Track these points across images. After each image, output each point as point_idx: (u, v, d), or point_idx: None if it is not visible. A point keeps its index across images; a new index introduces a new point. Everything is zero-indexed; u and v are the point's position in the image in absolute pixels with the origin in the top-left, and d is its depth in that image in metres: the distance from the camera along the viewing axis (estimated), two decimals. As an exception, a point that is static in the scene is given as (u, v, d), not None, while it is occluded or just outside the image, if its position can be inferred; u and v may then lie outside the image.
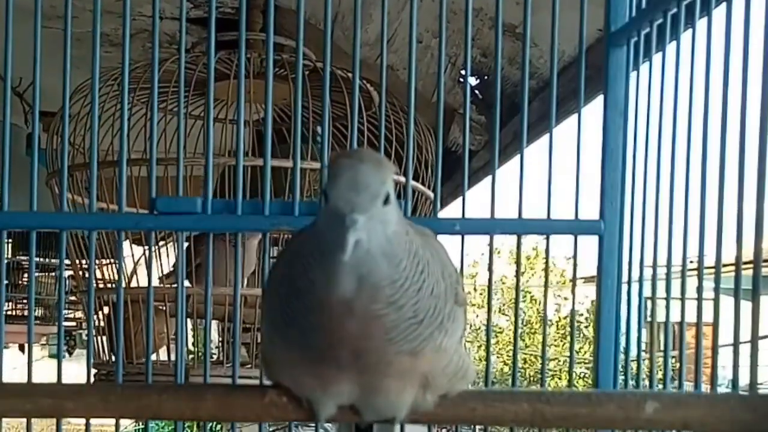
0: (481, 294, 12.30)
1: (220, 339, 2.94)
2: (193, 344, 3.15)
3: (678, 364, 1.34)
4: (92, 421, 1.43)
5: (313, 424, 1.22)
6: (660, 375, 1.39)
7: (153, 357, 2.35)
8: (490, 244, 1.46)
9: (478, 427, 1.44)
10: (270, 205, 1.43)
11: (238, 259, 1.51)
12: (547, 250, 1.58)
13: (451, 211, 4.59)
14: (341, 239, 0.80)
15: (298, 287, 0.88)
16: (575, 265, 1.52)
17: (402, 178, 1.49)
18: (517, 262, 1.59)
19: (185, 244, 1.66)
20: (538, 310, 14.74)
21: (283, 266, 0.94)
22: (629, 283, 1.44)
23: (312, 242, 0.87)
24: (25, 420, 1.36)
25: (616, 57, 1.47)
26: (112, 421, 1.41)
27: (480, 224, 1.44)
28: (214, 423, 3.08)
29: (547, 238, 1.51)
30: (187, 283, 2.32)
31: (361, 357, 0.89)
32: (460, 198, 1.49)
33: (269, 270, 1.00)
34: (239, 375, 1.50)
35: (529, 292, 14.84)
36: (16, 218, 1.45)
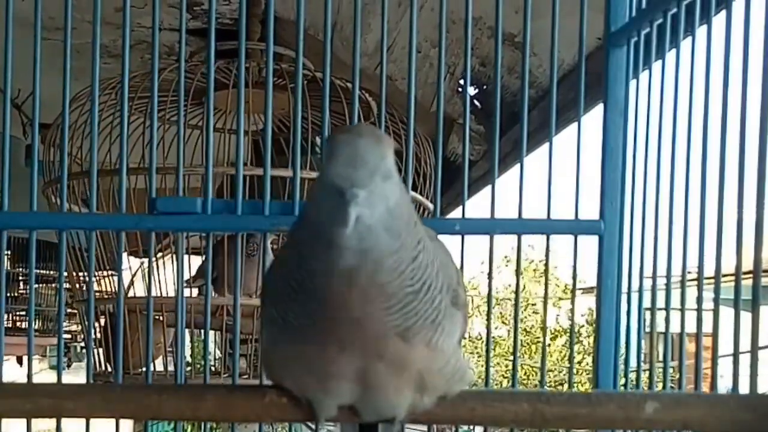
0: (479, 307, 12.29)
1: (221, 351, 2.94)
2: (191, 355, 3.15)
3: (678, 375, 1.34)
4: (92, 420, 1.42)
5: (313, 425, 1.22)
6: (660, 385, 1.39)
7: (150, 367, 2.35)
8: (490, 245, 1.46)
9: (477, 427, 1.43)
10: (270, 205, 1.43)
11: (238, 265, 1.51)
12: (547, 250, 1.58)
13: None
14: (342, 214, 0.80)
15: (301, 266, 0.88)
16: (575, 265, 1.52)
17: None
18: (518, 263, 1.59)
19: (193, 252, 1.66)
20: (538, 320, 14.74)
21: (283, 257, 0.94)
22: (629, 293, 1.44)
23: (311, 221, 0.87)
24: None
25: (616, 57, 1.47)
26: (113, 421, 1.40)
27: (480, 224, 1.44)
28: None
29: (547, 238, 1.50)
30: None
31: (360, 330, 0.88)
32: (460, 208, 1.49)
33: (268, 268, 1.00)
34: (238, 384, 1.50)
35: (533, 304, 14.84)
36: (16, 218, 1.45)
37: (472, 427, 1.37)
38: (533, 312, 14.98)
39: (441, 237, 1.09)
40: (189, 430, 4.96)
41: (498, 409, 1.03)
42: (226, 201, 1.46)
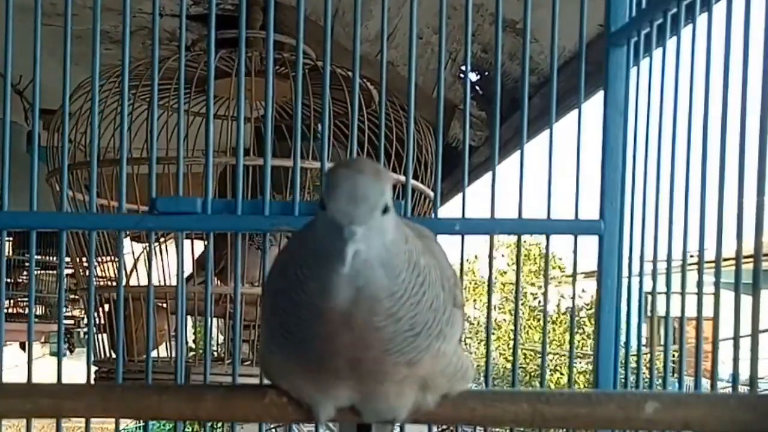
0: (477, 288, 12.29)
1: (223, 336, 2.95)
2: (194, 341, 3.16)
3: (678, 359, 1.34)
4: (92, 420, 1.43)
5: (313, 425, 1.22)
6: (660, 369, 1.39)
7: (153, 354, 2.36)
8: (490, 245, 1.46)
9: (478, 427, 1.44)
10: (270, 205, 1.43)
11: (239, 258, 1.51)
12: (547, 250, 1.58)
13: (451, 207, 4.58)
14: (340, 251, 0.80)
15: (295, 298, 0.87)
16: (575, 265, 1.53)
17: (402, 178, 1.49)
18: (517, 262, 1.59)
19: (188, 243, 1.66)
20: (529, 306, 14.76)
21: (280, 272, 0.93)
22: (629, 278, 1.44)
23: (309, 251, 0.86)
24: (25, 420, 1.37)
25: (616, 57, 1.47)
26: (112, 421, 1.41)
27: (480, 224, 1.44)
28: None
29: (548, 238, 1.50)
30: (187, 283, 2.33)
31: (358, 367, 0.88)
32: (460, 194, 1.49)
33: (268, 273, 0.99)
34: (240, 373, 1.50)
35: (525, 289, 14.84)
36: (16, 218, 1.45)
37: (472, 427, 1.37)
38: (532, 297, 15.00)
39: (440, 238, 1.09)
40: (189, 430, 4.98)
41: (498, 409, 1.02)
42: (226, 201, 1.46)
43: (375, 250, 0.83)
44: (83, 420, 1.36)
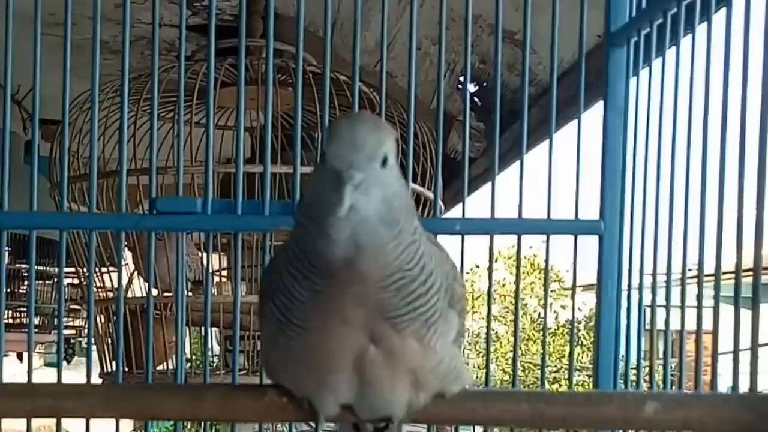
0: (477, 299, 12.29)
1: (220, 347, 2.95)
2: (191, 352, 3.15)
3: (678, 372, 1.34)
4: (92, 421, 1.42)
5: (313, 424, 1.22)
6: (660, 383, 1.39)
7: (160, 367, 2.35)
8: (490, 245, 1.46)
9: (477, 427, 1.43)
10: (270, 205, 1.43)
11: (239, 260, 1.51)
12: (547, 250, 1.58)
13: (452, 214, 4.58)
14: (338, 195, 0.80)
15: (298, 251, 0.88)
16: (575, 265, 1.52)
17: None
18: (517, 262, 1.59)
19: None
20: (531, 317, 14.76)
21: (281, 252, 0.94)
22: (629, 290, 1.44)
23: (308, 204, 0.87)
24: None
25: (616, 57, 1.47)
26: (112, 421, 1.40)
27: (480, 224, 1.44)
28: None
29: (547, 238, 1.50)
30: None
31: (359, 305, 0.88)
32: (460, 204, 1.49)
33: (269, 262, 1.00)
34: (237, 383, 1.50)
35: (522, 299, 14.85)
36: (16, 218, 1.45)
37: (472, 427, 1.37)
38: (531, 309, 15.00)
39: (441, 237, 1.09)
40: (189, 428, 4.97)
41: (498, 409, 1.03)
42: (226, 201, 1.46)
43: (374, 204, 0.83)
44: (83, 420, 1.35)
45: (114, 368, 2.47)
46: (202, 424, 1.74)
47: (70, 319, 5.60)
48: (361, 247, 0.84)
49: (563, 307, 13.75)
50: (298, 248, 0.88)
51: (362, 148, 0.82)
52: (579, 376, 10.55)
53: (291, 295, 0.90)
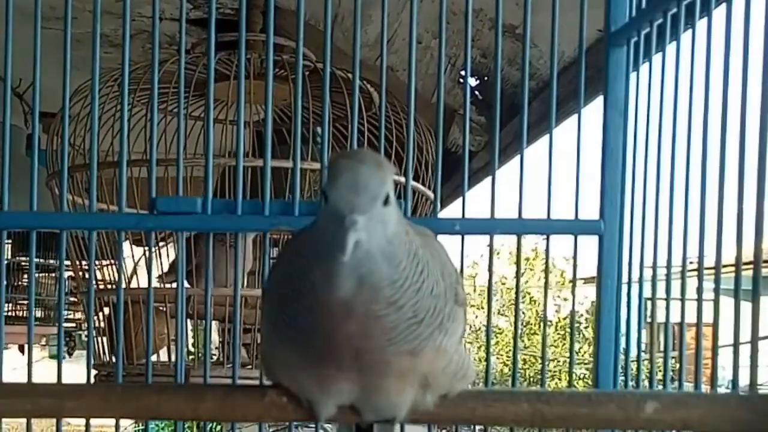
0: (480, 294, 12.28)
1: (221, 340, 2.94)
2: (193, 345, 3.15)
3: (678, 365, 1.34)
4: (92, 421, 1.43)
5: (313, 424, 1.22)
6: (660, 376, 1.39)
7: (153, 358, 2.35)
8: (490, 245, 1.46)
9: (477, 427, 1.44)
10: (270, 204, 1.43)
11: (239, 259, 1.51)
12: (547, 250, 1.58)
13: (451, 211, 4.58)
14: (341, 240, 0.80)
15: (298, 288, 0.88)
16: (575, 265, 1.52)
17: (402, 179, 1.49)
18: (517, 263, 1.60)
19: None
20: (537, 311, 14.73)
21: (284, 266, 0.94)
22: (629, 283, 1.44)
23: (312, 243, 0.87)
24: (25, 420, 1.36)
25: (616, 57, 1.47)
26: (112, 421, 1.41)
27: (480, 224, 1.44)
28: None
29: (547, 238, 1.50)
30: (186, 284, 2.32)
31: (360, 357, 0.89)
32: (460, 198, 1.49)
33: (270, 269, 1.00)
34: (239, 376, 1.50)
35: (529, 293, 14.83)
36: (16, 218, 1.45)
37: (472, 426, 1.37)
38: (531, 300, 14.97)
39: (441, 237, 1.09)
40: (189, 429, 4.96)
41: (498, 409, 1.03)
42: (227, 201, 1.46)
43: (376, 240, 0.83)
44: (83, 421, 1.36)
45: (108, 359, 2.48)
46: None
47: (70, 312, 5.60)
48: (363, 279, 0.84)
49: (564, 299, 13.73)
50: (297, 273, 0.89)
51: (365, 190, 0.82)
52: (579, 369, 10.55)
53: (289, 312, 0.91)
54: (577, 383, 9.97)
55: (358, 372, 0.91)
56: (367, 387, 0.93)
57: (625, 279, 1.44)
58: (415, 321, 0.88)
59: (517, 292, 1.60)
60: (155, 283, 1.56)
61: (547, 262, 1.69)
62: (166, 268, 2.65)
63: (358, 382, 0.92)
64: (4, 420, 1.24)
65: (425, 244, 0.92)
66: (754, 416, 1.00)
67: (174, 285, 2.54)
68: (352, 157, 0.86)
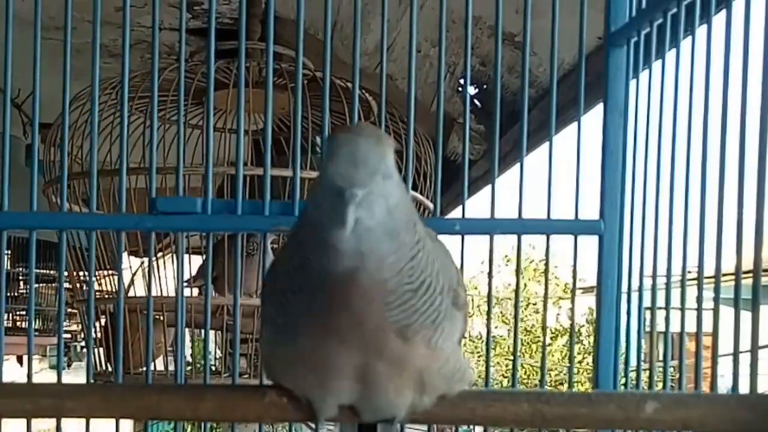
0: (479, 306, 12.27)
1: (221, 351, 2.95)
2: (191, 355, 3.15)
3: (677, 374, 1.34)
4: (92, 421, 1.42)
5: (313, 425, 1.22)
6: (659, 385, 1.39)
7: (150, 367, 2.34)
8: (490, 245, 1.46)
9: (477, 427, 1.43)
10: (270, 205, 1.43)
11: (239, 260, 1.51)
12: (547, 251, 1.58)
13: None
14: (341, 214, 0.80)
15: (301, 264, 0.88)
16: (575, 265, 1.52)
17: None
18: (518, 263, 1.59)
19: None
20: (538, 319, 14.74)
21: (284, 253, 0.94)
22: (629, 293, 1.44)
23: (311, 222, 0.86)
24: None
25: (616, 57, 1.47)
26: (112, 422, 1.40)
27: (480, 224, 1.44)
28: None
29: (547, 238, 1.50)
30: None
31: (360, 323, 0.87)
32: (459, 207, 1.48)
33: (269, 266, 1.00)
34: (238, 384, 1.50)
35: (534, 304, 14.85)
36: (16, 218, 1.45)
37: (471, 426, 1.37)
38: (534, 311, 14.98)
39: (441, 237, 1.09)
40: (189, 429, 4.96)
41: (498, 409, 1.03)
42: (226, 201, 1.45)
43: (377, 216, 0.83)
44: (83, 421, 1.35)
45: (104, 368, 2.48)
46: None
47: (67, 323, 5.60)
48: (366, 259, 0.84)
49: (569, 310, 13.74)
50: (298, 261, 0.88)
51: (364, 164, 0.81)
52: (579, 377, 10.55)
53: (290, 309, 0.90)
54: (578, 388, 9.94)
55: (357, 350, 0.89)
56: (366, 382, 0.92)
57: (624, 288, 1.44)
58: (410, 288, 0.87)
59: (517, 292, 1.59)
60: (154, 292, 1.56)
61: (547, 263, 1.68)
62: (192, 273, 2.65)
63: (356, 372, 0.91)
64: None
65: (431, 239, 0.92)
66: (754, 416, 1.00)
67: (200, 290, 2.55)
68: (351, 131, 0.85)
